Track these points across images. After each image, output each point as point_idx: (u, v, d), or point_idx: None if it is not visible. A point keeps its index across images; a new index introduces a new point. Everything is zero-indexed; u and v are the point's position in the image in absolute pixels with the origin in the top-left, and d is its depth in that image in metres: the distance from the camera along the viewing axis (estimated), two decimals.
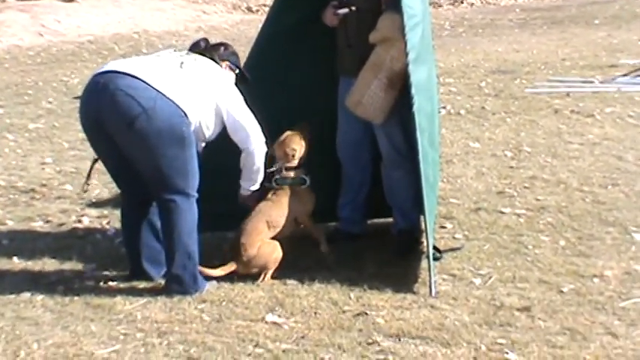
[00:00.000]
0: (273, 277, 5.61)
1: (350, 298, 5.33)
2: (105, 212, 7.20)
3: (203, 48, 5.65)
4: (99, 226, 6.91)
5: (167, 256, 5.41)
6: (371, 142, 6.15)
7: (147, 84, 5.11)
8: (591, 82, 12.50)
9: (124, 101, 5.08)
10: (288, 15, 6.11)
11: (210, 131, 5.44)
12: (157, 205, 5.42)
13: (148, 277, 5.59)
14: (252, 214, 5.71)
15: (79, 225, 6.89)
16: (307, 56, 6.22)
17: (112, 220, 6.99)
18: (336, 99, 6.20)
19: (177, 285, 5.37)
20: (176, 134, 5.16)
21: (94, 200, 7.56)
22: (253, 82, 5.89)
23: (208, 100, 5.33)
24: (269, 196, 5.82)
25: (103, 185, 7.96)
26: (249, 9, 24.35)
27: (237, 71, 5.77)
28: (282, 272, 5.65)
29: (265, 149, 5.52)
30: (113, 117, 5.14)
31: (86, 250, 6.29)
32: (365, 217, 6.51)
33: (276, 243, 5.67)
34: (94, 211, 7.25)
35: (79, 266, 5.92)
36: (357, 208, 6.41)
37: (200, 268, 5.45)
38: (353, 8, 5.94)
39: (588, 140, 9.23)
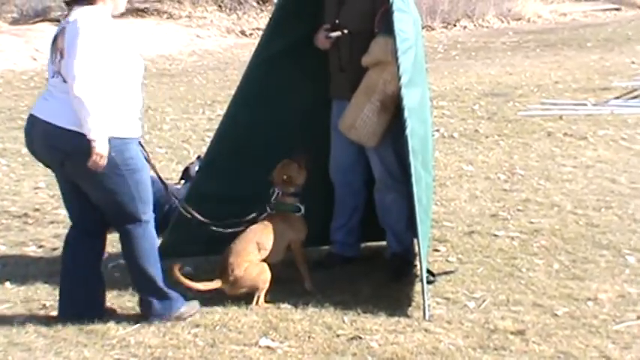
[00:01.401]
0: (266, 300, 5.59)
1: (344, 322, 5.31)
2: None
3: None
4: None
5: (133, 283, 5.47)
6: (364, 165, 6.15)
7: (59, 127, 4.97)
8: (584, 104, 12.55)
9: (48, 149, 5.08)
10: (281, 39, 6.12)
11: (123, 74, 5.12)
12: (119, 234, 5.38)
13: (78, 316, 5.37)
14: (242, 235, 5.70)
15: None
16: (300, 80, 6.23)
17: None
18: (329, 122, 6.21)
19: (149, 310, 5.34)
20: (110, 164, 4.98)
21: None
22: (247, 105, 5.94)
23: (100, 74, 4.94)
24: (262, 219, 5.81)
25: None
26: (243, 33, 24.39)
27: None
28: (276, 296, 5.64)
29: (87, 98, 4.82)
30: (48, 160, 5.21)
31: None
32: (359, 241, 6.49)
33: (264, 264, 5.65)
34: None
35: None
36: (351, 231, 6.40)
37: (184, 280, 5.44)
38: (345, 31, 5.95)
39: (581, 163, 9.25)
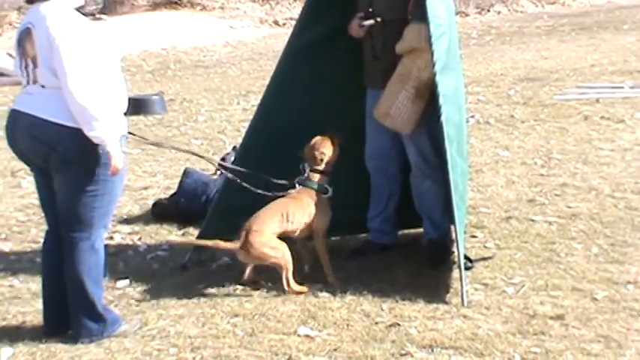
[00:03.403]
0: (303, 290, 5.60)
1: (382, 309, 5.32)
2: (136, 229, 7.24)
3: None
4: (130, 243, 6.94)
5: (70, 298, 5.03)
6: (399, 152, 6.14)
7: (44, 120, 4.78)
8: (621, 87, 12.44)
9: (32, 142, 4.86)
10: (315, 28, 6.12)
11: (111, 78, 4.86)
12: (64, 242, 5.02)
13: (71, 331, 5.10)
14: (269, 205, 5.71)
15: (111, 242, 6.89)
16: (334, 68, 6.23)
17: (143, 236, 7.04)
18: (363, 111, 6.20)
19: (82, 329, 5.03)
20: (89, 164, 4.81)
21: (125, 217, 7.60)
22: (281, 95, 5.96)
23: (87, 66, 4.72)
24: (290, 192, 5.82)
25: (134, 201, 8.01)
26: (276, 22, 24.44)
27: None
28: (314, 285, 5.66)
29: (92, 106, 4.66)
30: (31, 155, 4.96)
31: (118, 267, 6.32)
32: (395, 228, 6.49)
33: (285, 245, 5.61)
34: (125, 228, 7.28)
35: (112, 283, 5.93)
36: (387, 219, 6.39)
37: (199, 242, 5.50)
38: (378, 19, 5.95)
39: (619, 146, 9.17)
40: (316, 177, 5.86)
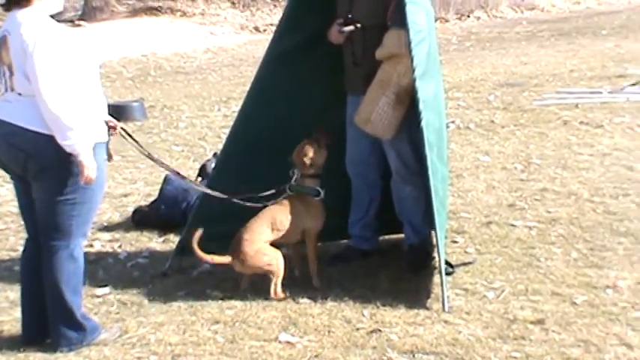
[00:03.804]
0: (284, 296, 5.60)
1: (363, 315, 5.32)
2: (116, 236, 7.21)
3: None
4: (110, 250, 6.92)
5: (48, 306, 5.00)
6: (379, 158, 6.15)
7: (21, 128, 4.75)
8: (600, 92, 12.48)
9: (10, 150, 4.83)
10: (294, 34, 6.12)
11: (83, 82, 4.81)
12: (43, 250, 4.98)
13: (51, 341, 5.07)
14: (259, 214, 5.72)
15: (91, 249, 6.87)
16: (314, 74, 6.23)
17: (123, 243, 7.01)
18: (343, 117, 6.21)
19: (61, 338, 4.99)
20: (67, 172, 4.77)
21: (105, 224, 7.57)
22: (262, 101, 5.95)
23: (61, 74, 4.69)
24: (281, 199, 5.83)
25: (114, 209, 7.98)
26: (257, 29, 24.43)
27: None
28: (295, 291, 5.65)
29: (65, 114, 4.63)
30: (9, 163, 4.94)
31: (98, 274, 6.30)
32: (376, 234, 6.50)
33: (278, 252, 5.67)
34: (105, 235, 7.26)
35: (91, 290, 5.90)
36: (368, 224, 6.40)
37: (198, 250, 5.43)
38: (358, 25, 5.95)
39: (598, 151, 9.21)
40: (307, 181, 5.87)
